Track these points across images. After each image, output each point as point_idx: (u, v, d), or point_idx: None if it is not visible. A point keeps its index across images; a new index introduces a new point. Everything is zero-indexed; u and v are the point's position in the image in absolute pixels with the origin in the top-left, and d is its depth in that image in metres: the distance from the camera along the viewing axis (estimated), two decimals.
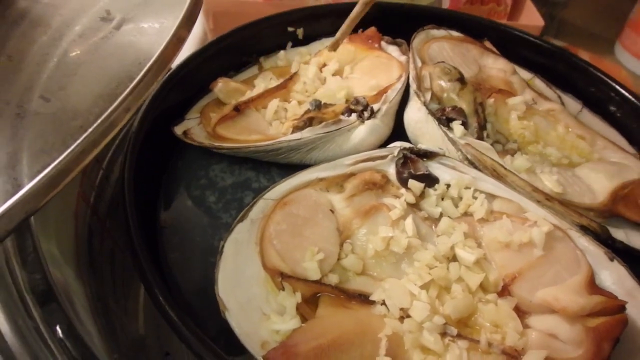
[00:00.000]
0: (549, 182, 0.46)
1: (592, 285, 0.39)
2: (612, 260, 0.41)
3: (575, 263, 0.41)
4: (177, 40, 0.30)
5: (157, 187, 0.48)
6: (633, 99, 0.56)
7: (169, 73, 0.51)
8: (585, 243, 0.42)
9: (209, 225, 0.45)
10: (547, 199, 0.44)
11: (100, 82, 0.31)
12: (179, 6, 0.31)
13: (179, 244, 0.44)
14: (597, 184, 0.48)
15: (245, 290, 0.37)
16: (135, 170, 0.42)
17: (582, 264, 0.41)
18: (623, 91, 0.57)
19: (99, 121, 0.24)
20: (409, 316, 0.37)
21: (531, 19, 0.85)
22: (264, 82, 0.55)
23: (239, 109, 0.49)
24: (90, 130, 0.24)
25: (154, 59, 0.27)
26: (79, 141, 0.23)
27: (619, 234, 0.45)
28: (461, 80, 0.49)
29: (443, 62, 0.52)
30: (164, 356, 0.47)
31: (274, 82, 0.55)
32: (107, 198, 0.49)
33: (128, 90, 0.25)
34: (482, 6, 0.89)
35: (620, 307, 0.38)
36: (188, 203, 0.47)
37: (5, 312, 0.26)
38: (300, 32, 0.62)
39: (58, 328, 0.28)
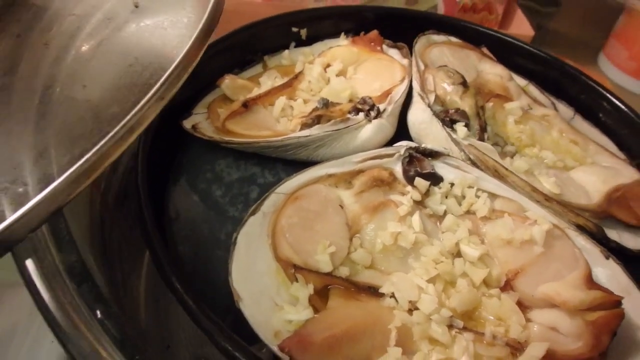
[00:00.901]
0: (547, 183, 0.48)
1: (590, 281, 0.41)
2: (607, 258, 0.43)
3: (573, 260, 0.42)
4: (205, 33, 0.30)
5: (165, 180, 0.48)
6: (622, 107, 0.58)
7: None
8: (582, 242, 0.44)
9: (216, 219, 0.45)
10: (546, 199, 0.46)
11: (131, 73, 0.31)
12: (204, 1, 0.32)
13: (187, 237, 0.44)
14: (591, 187, 0.50)
15: (258, 282, 0.38)
16: (148, 162, 0.43)
17: (580, 261, 0.42)
18: (612, 98, 0.59)
19: (134, 110, 0.24)
20: (417, 309, 0.38)
21: (521, 29, 0.87)
22: (269, 80, 0.56)
23: (247, 105, 0.50)
24: (127, 118, 0.24)
25: (185, 50, 0.28)
26: (115, 129, 0.24)
27: (612, 234, 0.47)
28: (464, 83, 0.51)
29: (446, 65, 0.54)
30: (165, 348, 0.47)
31: (279, 81, 0.56)
32: (115, 190, 0.49)
33: (162, 79, 0.26)
34: (474, 14, 0.91)
35: (617, 302, 0.39)
36: (195, 197, 0.47)
37: (51, 295, 0.26)
38: (303, 32, 0.63)
39: (97, 310, 0.28)
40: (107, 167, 0.24)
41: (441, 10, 0.87)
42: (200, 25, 0.30)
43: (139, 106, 0.25)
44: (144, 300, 0.50)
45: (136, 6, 0.37)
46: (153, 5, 0.37)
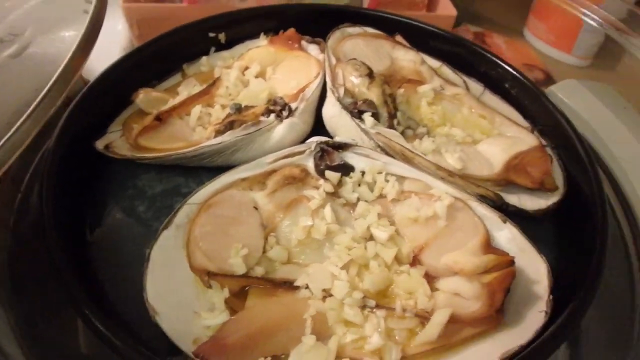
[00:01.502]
0: (451, 160, 0.51)
1: (488, 246, 0.45)
2: (505, 222, 0.46)
3: (473, 229, 0.46)
4: (82, 51, 0.31)
5: (84, 203, 0.48)
6: (522, 78, 0.62)
7: (87, 87, 0.51)
8: (482, 210, 0.47)
9: (139, 235, 0.46)
10: (450, 175, 0.49)
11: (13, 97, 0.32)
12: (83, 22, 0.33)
13: (111, 257, 0.45)
14: (493, 157, 0.54)
15: (176, 293, 0.40)
16: (55, 188, 0.43)
17: (479, 229, 0.46)
18: (514, 72, 0.63)
19: (7, 135, 0.25)
20: (331, 295, 0.41)
21: (446, 10, 0.91)
22: (187, 89, 0.57)
23: (160, 119, 0.51)
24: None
25: (58, 72, 0.29)
26: None
27: (514, 199, 0.51)
28: (370, 74, 0.54)
29: (354, 58, 0.56)
30: None
31: (198, 88, 0.57)
32: (30, 220, 0.48)
33: (35, 103, 0.27)
34: (401, 2, 0.94)
35: (510, 262, 0.43)
36: (117, 215, 0.48)
37: None
38: (222, 36, 0.64)
39: None
40: None
41: (366, 2, 0.89)
42: (75, 44, 0.31)
43: (16, 126, 0.26)
44: (82, 326, 0.50)
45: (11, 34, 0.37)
46: (30, 32, 0.37)
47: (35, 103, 0.28)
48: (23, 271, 0.45)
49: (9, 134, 0.26)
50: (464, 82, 0.64)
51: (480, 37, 1.01)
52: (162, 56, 0.60)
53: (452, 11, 0.89)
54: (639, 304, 0.53)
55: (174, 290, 0.40)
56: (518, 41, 1.02)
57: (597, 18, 0.82)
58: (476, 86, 0.64)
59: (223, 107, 0.54)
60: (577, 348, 0.49)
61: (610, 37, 0.81)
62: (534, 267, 0.44)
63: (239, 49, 0.65)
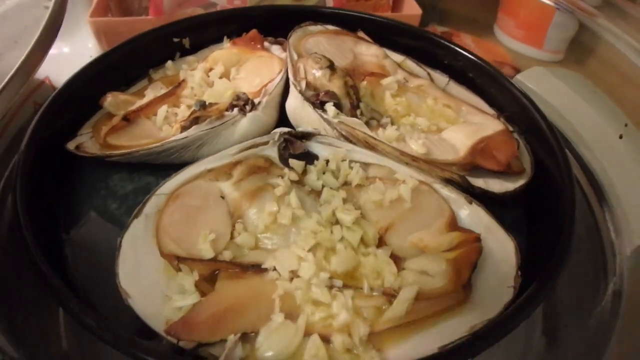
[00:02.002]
0: (415, 146, 0.52)
1: (453, 225, 0.46)
2: (470, 203, 0.48)
3: (439, 210, 0.47)
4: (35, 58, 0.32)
5: (57, 204, 0.49)
6: (487, 67, 0.64)
7: (55, 92, 0.53)
8: (448, 192, 0.49)
9: (112, 231, 0.47)
10: (413, 160, 0.51)
11: None
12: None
13: (86, 254, 0.46)
14: (458, 143, 0.55)
15: (147, 278, 0.40)
16: (28, 189, 0.44)
17: (444, 210, 0.47)
18: (478, 61, 0.65)
19: None
20: (298, 277, 0.41)
21: (411, 9, 0.93)
22: (153, 92, 0.58)
23: (128, 119, 0.52)
24: None
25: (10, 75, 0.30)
26: None
27: (480, 182, 0.52)
28: (331, 67, 0.55)
29: (315, 53, 0.58)
30: None
31: (164, 91, 0.58)
32: (6, 223, 0.49)
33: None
34: (366, 2, 0.96)
35: (476, 239, 0.44)
36: (91, 214, 0.49)
37: None
38: (186, 41, 0.66)
39: None
40: None
41: (330, 2, 0.91)
42: (27, 51, 0.32)
43: None
44: (63, 324, 0.51)
45: None
46: None
47: None
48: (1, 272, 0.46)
49: None
50: (428, 74, 0.66)
51: (447, 37, 1.04)
52: (127, 62, 0.62)
53: (417, 10, 0.91)
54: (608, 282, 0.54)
55: (145, 275, 0.41)
56: (488, 39, 1.03)
57: (567, 4, 0.81)
58: (441, 77, 0.66)
59: (189, 107, 0.56)
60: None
61: (582, 30, 0.80)
62: (502, 245, 0.45)
63: (203, 52, 0.66)
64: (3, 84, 0.29)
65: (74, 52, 0.85)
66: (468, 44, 1.01)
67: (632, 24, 0.73)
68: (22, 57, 0.31)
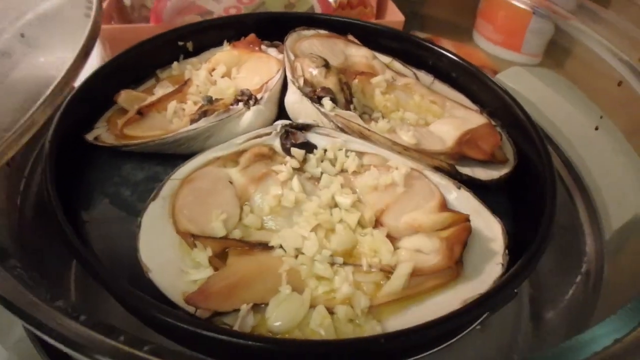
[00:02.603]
0: (405, 137, 0.57)
1: (444, 207, 0.50)
2: (459, 188, 0.52)
3: (430, 193, 0.51)
4: (75, 68, 0.36)
5: (76, 190, 0.53)
6: (468, 66, 0.69)
7: (74, 91, 0.57)
8: (437, 178, 0.53)
9: (126, 215, 0.51)
10: (405, 149, 0.55)
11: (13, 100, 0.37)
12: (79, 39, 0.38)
13: (103, 235, 0.49)
14: (446, 135, 0.60)
15: (164, 254, 0.44)
16: (54, 172, 0.48)
17: (435, 193, 0.51)
18: (460, 61, 0.70)
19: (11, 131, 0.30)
20: (302, 254, 0.45)
21: (394, 16, 0.99)
22: (162, 90, 0.62)
23: (141, 113, 0.56)
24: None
25: (56, 82, 0.34)
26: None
27: (466, 170, 0.56)
28: (326, 65, 0.60)
29: (311, 53, 0.62)
30: None
31: (171, 89, 0.62)
32: (32, 204, 0.55)
33: (35, 106, 0.32)
34: (351, 10, 1.01)
35: (466, 219, 0.48)
36: (106, 200, 0.53)
37: None
38: (190, 45, 0.70)
39: None
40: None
41: (318, 11, 0.96)
42: (72, 60, 0.36)
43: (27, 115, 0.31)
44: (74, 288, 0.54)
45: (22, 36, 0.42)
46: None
47: (43, 97, 0.33)
48: (28, 242, 0.51)
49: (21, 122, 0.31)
50: (414, 74, 0.71)
51: None
52: (137, 63, 0.66)
53: (400, 17, 0.97)
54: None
55: (162, 251, 0.44)
56: (467, 45, 1.07)
57: (544, 8, 0.84)
58: (426, 77, 0.71)
59: (195, 103, 0.60)
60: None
61: (559, 33, 0.83)
62: (489, 227, 0.49)
63: (205, 55, 0.71)
64: (49, 90, 0.33)
65: None
66: (449, 49, 1.06)
67: (604, 26, 0.78)
68: (68, 65, 0.35)
